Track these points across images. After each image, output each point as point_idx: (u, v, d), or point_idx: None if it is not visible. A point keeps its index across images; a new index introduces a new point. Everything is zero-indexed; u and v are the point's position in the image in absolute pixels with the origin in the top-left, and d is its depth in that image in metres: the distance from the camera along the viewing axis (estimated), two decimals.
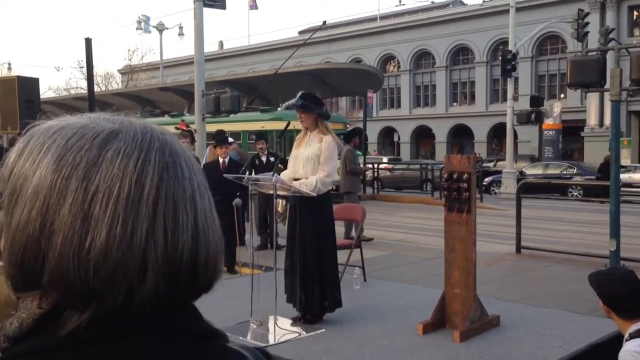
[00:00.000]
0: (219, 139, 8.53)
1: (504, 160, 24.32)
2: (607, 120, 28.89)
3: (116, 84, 45.61)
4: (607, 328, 4.43)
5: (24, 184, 0.63)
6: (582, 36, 18.35)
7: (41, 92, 10.62)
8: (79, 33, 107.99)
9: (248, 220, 9.02)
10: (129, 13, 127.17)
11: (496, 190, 21.08)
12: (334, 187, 5.55)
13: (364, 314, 5.52)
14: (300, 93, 5.28)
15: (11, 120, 8.88)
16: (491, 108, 38.15)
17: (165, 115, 20.79)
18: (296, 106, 5.21)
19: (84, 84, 35.78)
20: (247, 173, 6.07)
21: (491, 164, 27.24)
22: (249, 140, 16.84)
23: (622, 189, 8.71)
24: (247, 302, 5.15)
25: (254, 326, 5.10)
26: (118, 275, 0.60)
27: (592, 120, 32.23)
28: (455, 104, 41.14)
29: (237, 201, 7.66)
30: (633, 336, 2.56)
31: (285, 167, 5.86)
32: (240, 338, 4.78)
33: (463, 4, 46.96)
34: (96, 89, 26.21)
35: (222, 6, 13.47)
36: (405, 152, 41.95)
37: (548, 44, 36.53)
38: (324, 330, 5.04)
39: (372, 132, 40.40)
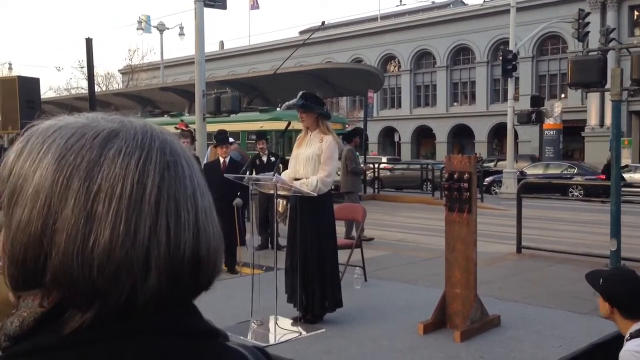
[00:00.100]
0: (219, 138, 8.53)
1: (504, 160, 24.32)
2: (608, 120, 28.89)
3: (117, 84, 45.64)
4: (607, 328, 4.42)
5: (24, 184, 0.63)
6: (582, 36, 18.34)
7: (42, 92, 10.63)
8: (80, 33, 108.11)
9: (248, 220, 9.03)
10: (130, 13, 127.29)
11: (497, 190, 21.08)
12: (333, 187, 5.54)
13: (364, 313, 5.52)
14: (301, 93, 5.29)
15: (12, 120, 8.89)
16: (492, 108, 38.15)
17: (165, 115, 20.80)
18: (297, 106, 5.21)
19: (84, 84, 35.81)
20: (247, 173, 6.07)
21: (492, 164, 27.24)
22: (248, 140, 16.85)
23: (623, 188, 8.70)
24: (248, 301, 5.15)
25: (254, 326, 5.10)
26: (121, 274, 0.60)
27: (592, 120, 32.23)
28: (455, 104, 41.13)
29: (237, 201, 7.66)
30: (634, 336, 2.56)
31: (285, 167, 5.86)
32: (241, 338, 4.77)
33: (463, 4, 46.96)
34: (97, 89, 26.21)
35: (223, 6, 13.47)
36: (406, 152, 41.95)
37: (549, 44, 36.53)
38: (324, 330, 5.04)
39: (373, 132, 40.40)
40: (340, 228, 7.26)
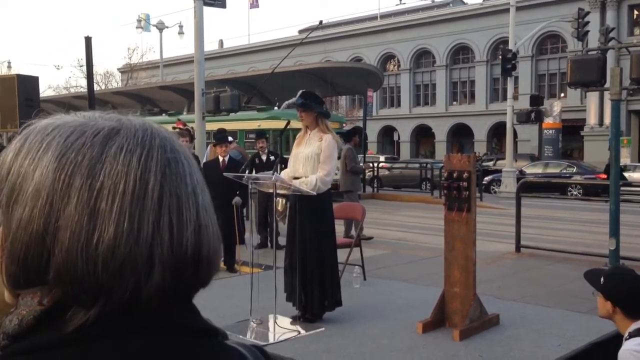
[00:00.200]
0: (218, 137, 8.52)
1: (503, 159, 24.33)
2: (607, 120, 28.90)
3: (116, 82, 45.61)
4: (607, 327, 4.41)
5: (23, 183, 0.63)
6: (582, 35, 18.35)
7: (41, 91, 10.61)
8: (79, 32, 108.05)
9: (248, 218, 9.02)
10: (129, 12, 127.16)
11: (496, 189, 21.09)
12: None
13: (363, 312, 5.52)
14: (300, 92, 5.29)
15: (11, 118, 8.88)
16: (491, 107, 38.15)
17: (163, 114, 20.82)
18: (296, 105, 5.21)
19: (83, 82, 35.80)
20: (247, 172, 6.07)
21: (491, 163, 27.26)
22: (245, 139, 16.86)
23: (622, 188, 8.70)
24: (247, 300, 5.15)
25: (253, 325, 5.10)
26: (126, 270, 0.61)
27: (592, 119, 32.24)
28: (455, 103, 41.14)
29: (236, 200, 7.66)
30: (633, 335, 2.56)
31: (285, 166, 5.86)
32: (240, 337, 4.78)
33: (463, 3, 46.93)
34: (96, 87, 26.20)
35: (223, 5, 13.46)
36: (405, 151, 41.96)
37: (548, 43, 36.52)
38: (323, 329, 5.04)
39: (372, 131, 40.40)
40: (339, 227, 7.26)
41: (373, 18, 46.62)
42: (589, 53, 7.97)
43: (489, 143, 39.12)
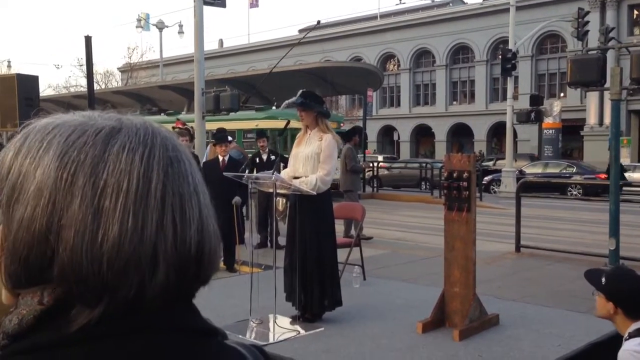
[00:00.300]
0: (218, 137, 8.52)
1: (503, 159, 24.33)
2: (607, 119, 28.91)
3: (116, 82, 45.59)
4: (606, 327, 4.41)
5: (24, 182, 0.63)
6: (582, 35, 18.35)
7: (41, 90, 10.60)
8: (79, 31, 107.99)
9: (247, 218, 9.02)
10: (129, 11, 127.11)
11: (496, 189, 21.10)
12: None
13: (363, 312, 5.52)
14: (300, 91, 5.29)
15: (10, 118, 8.86)
16: (491, 107, 38.15)
17: (161, 114, 20.84)
18: (296, 104, 5.21)
19: (83, 81, 35.81)
20: (246, 171, 6.07)
21: (490, 163, 27.26)
22: (243, 139, 16.87)
23: (622, 188, 8.70)
24: (247, 300, 5.15)
25: (253, 325, 5.10)
26: (130, 269, 0.61)
27: (591, 119, 32.24)
28: (455, 102, 41.13)
29: (236, 199, 7.66)
30: (632, 335, 2.56)
31: (285, 166, 5.86)
32: (240, 336, 4.77)
33: (463, 2, 46.92)
34: (96, 87, 26.18)
35: (222, 4, 13.46)
36: (405, 151, 41.95)
37: (548, 42, 36.52)
38: (323, 328, 5.04)
39: (372, 131, 40.40)
40: (339, 227, 7.26)
41: (373, 18, 46.62)
42: (589, 53, 7.97)
43: (489, 143, 39.13)
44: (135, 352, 0.61)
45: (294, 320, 5.19)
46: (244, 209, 8.71)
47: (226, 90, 12.88)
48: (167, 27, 33.83)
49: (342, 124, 19.25)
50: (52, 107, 23.18)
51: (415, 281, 7.02)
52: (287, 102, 5.49)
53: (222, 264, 7.53)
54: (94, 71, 13.16)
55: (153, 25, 34.49)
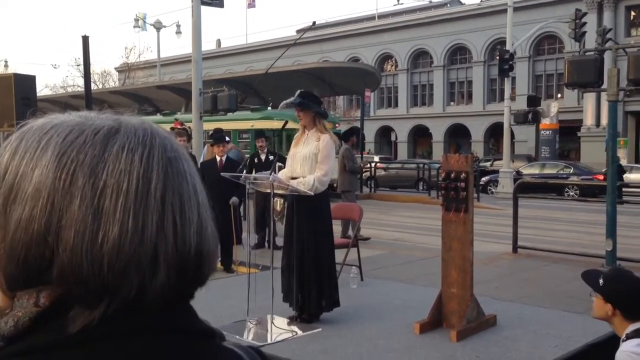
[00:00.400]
0: (216, 137, 8.51)
1: (500, 160, 24.36)
2: (604, 121, 28.94)
3: (113, 82, 45.49)
4: (603, 328, 4.42)
5: (21, 182, 0.62)
6: (579, 36, 18.39)
7: (38, 90, 10.57)
8: (77, 31, 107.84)
9: (245, 218, 9.01)
10: (127, 11, 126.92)
11: (493, 190, 21.12)
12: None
13: (360, 313, 5.52)
14: (298, 91, 5.28)
15: (7, 117, 8.84)
16: (488, 108, 38.20)
17: (158, 114, 20.84)
18: (294, 104, 5.20)
19: (80, 81, 35.80)
20: (244, 171, 6.07)
21: (488, 164, 27.29)
22: (239, 139, 16.88)
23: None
24: (244, 301, 5.14)
25: (250, 325, 5.09)
26: (130, 270, 0.60)
27: (588, 120, 32.30)
28: (452, 103, 41.17)
29: (234, 199, 7.65)
30: (630, 336, 2.55)
31: (283, 166, 5.85)
32: (237, 337, 4.77)
33: (461, 3, 47.00)
34: (93, 86, 26.18)
35: (220, 4, 13.46)
36: (403, 152, 41.98)
37: (545, 43, 36.59)
38: (320, 329, 5.03)
39: (370, 132, 40.42)
40: (336, 227, 7.25)
41: (371, 18, 46.67)
42: (586, 54, 7.98)
43: (486, 144, 39.18)
44: (135, 354, 0.61)
45: (292, 320, 5.18)
46: (242, 209, 8.70)
47: (224, 91, 12.88)
48: (164, 27, 33.83)
49: (337, 125, 19.25)
50: (49, 107, 23.15)
51: (412, 282, 7.02)
52: (285, 102, 5.47)
53: (219, 265, 7.52)
54: (92, 71, 13.15)
55: (151, 25, 34.47)
